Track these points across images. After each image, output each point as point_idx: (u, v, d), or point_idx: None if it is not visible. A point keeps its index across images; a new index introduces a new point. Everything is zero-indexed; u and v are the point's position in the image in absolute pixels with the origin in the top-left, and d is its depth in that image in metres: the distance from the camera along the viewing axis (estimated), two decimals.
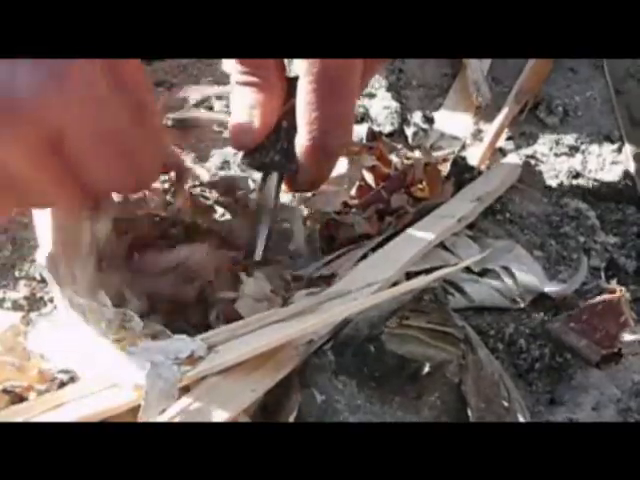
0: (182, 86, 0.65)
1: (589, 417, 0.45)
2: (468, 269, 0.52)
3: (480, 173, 0.60)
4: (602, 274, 0.54)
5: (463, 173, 0.59)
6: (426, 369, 0.41)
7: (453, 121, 0.66)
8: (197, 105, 0.63)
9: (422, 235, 0.51)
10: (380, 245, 0.51)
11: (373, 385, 0.41)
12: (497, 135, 0.64)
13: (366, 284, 0.46)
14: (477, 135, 0.65)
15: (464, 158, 0.61)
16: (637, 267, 0.55)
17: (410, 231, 0.52)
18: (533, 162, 0.63)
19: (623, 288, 0.48)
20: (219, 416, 0.38)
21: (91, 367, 0.40)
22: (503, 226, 0.57)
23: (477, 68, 0.68)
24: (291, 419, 0.40)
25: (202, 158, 0.61)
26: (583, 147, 0.64)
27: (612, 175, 0.63)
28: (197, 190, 0.55)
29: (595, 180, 0.62)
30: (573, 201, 0.60)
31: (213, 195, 0.55)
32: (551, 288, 0.52)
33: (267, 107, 0.48)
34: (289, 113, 0.48)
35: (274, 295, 0.47)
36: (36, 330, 0.43)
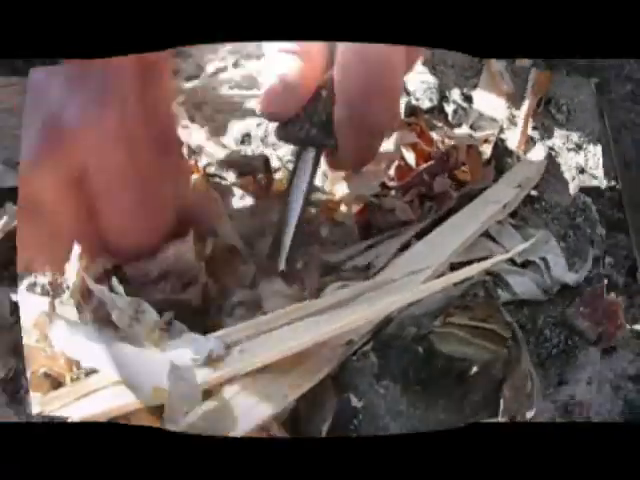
0: (198, 53, 0.61)
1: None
2: (511, 260, 0.51)
3: (519, 158, 0.58)
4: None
5: (504, 157, 0.58)
6: (474, 369, 0.40)
7: (489, 102, 0.63)
8: (214, 73, 0.60)
9: (469, 222, 0.49)
10: (423, 232, 0.48)
11: (418, 389, 0.40)
12: (526, 122, 0.62)
13: (409, 272, 0.44)
14: (512, 119, 0.63)
15: (504, 141, 0.60)
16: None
17: (456, 217, 0.49)
18: (553, 154, 0.62)
19: (620, 298, 0.50)
20: (246, 422, 0.36)
21: (110, 365, 0.39)
22: (541, 215, 0.57)
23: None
24: (325, 427, 0.38)
25: (219, 131, 0.57)
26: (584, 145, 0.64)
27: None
28: (212, 170, 0.52)
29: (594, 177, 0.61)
30: (581, 194, 0.59)
31: (230, 176, 0.52)
32: (572, 279, 0.52)
33: (305, 74, 0.45)
34: (329, 82, 0.45)
35: (302, 289, 0.44)
36: (56, 328, 0.41)
